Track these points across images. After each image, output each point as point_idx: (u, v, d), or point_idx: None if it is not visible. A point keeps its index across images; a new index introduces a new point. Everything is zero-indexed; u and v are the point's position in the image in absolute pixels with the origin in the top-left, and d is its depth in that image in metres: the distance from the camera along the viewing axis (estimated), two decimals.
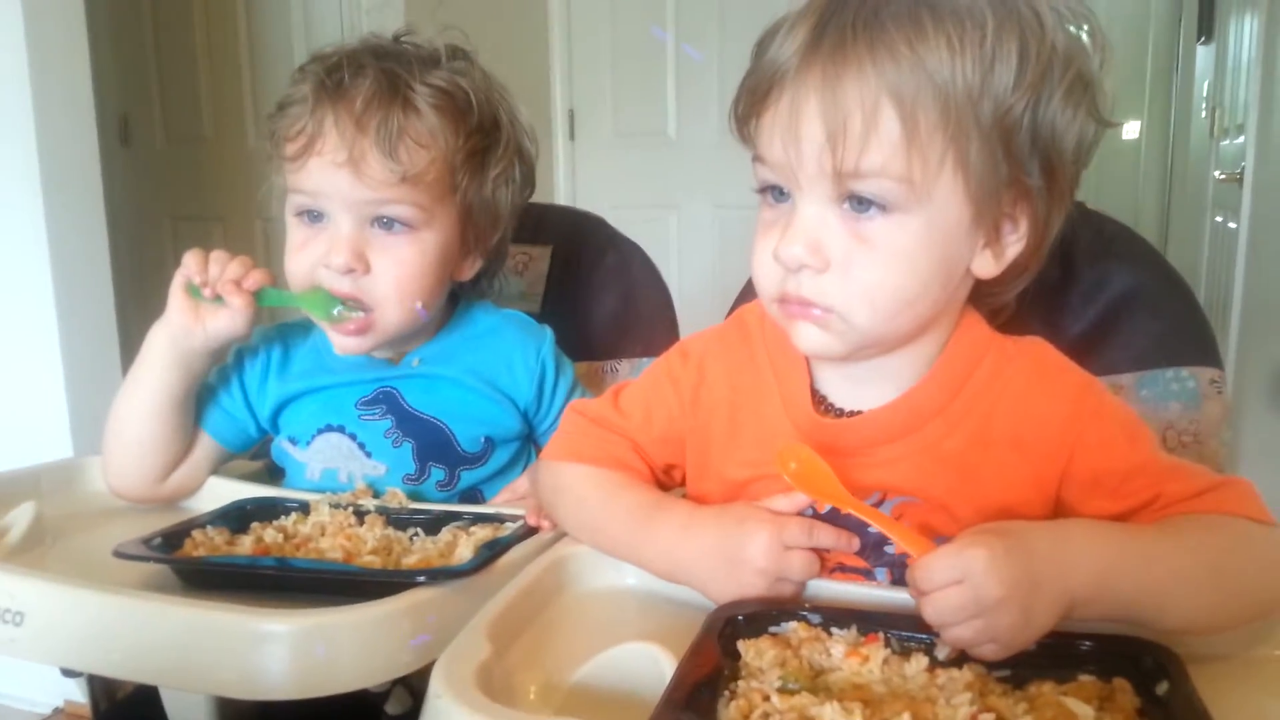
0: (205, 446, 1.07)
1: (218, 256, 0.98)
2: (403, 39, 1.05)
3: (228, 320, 0.97)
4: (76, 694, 1.97)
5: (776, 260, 0.72)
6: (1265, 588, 0.69)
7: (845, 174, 0.68)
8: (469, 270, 1.11)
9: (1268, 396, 2.40)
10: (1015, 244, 0.75)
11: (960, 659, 0.63)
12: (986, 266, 0.75)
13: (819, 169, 0.69)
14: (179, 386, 1.00)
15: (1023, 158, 0.70)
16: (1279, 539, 0.70)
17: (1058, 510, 0.76)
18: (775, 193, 0.75)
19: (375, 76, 0.98)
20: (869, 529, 0.78)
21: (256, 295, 0.98)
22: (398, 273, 1.01)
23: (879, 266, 0.71)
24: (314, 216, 1.01)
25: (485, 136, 1.05)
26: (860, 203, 0.70)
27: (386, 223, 1.00)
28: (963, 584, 0.61)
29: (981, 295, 0.80)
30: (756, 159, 0.75)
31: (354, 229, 0.99)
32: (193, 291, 0.97)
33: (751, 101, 0.74)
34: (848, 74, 0.67)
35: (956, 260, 0.73)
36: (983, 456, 0.75)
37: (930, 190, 0.69)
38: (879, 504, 0.77)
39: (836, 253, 0.71)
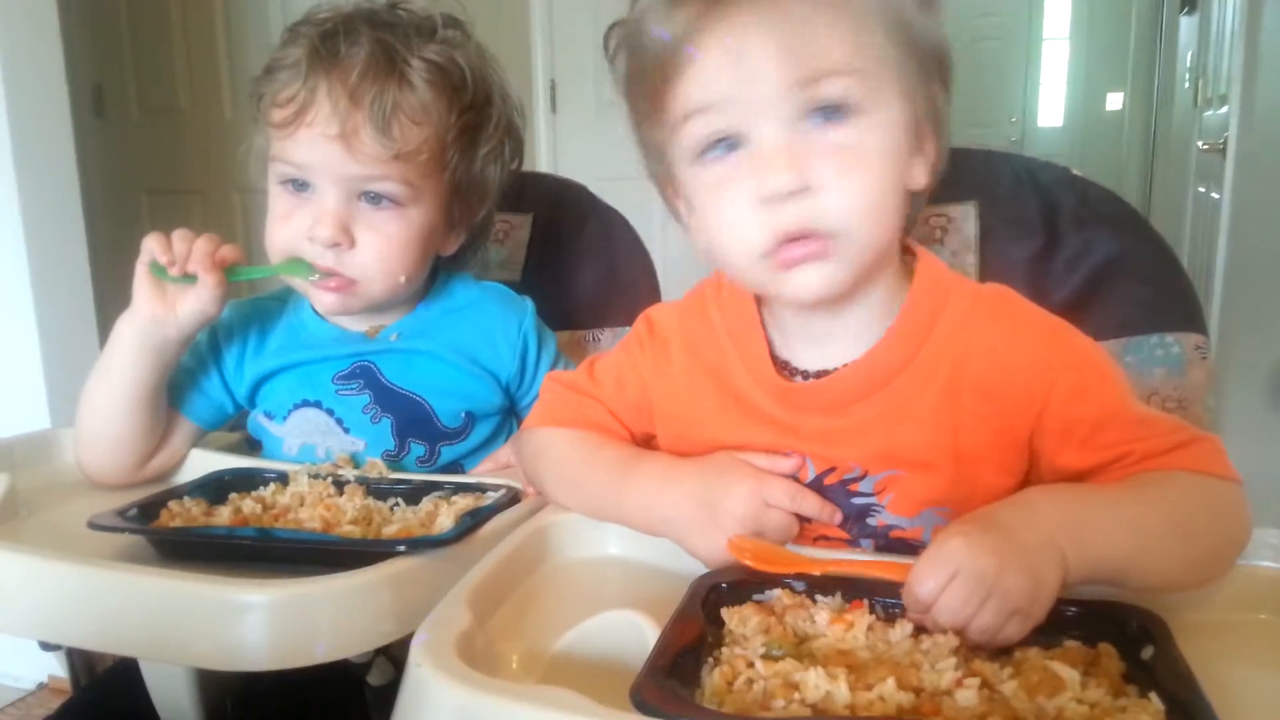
0: (183, 429, 1.05)
1: (182, 234, 0.94)
2: (397, 6, 1.03)
3: (197, 301, 0.94)
4: (60, 670, 1.96)
5: (767, 198, 0.69)
6: (1228, 541, 0.69)
7: (807, 79, 0.67)
8: (453, 245, 1.10)
9: (1250, 363, 2.41)
10: (931, 151, 0.76)
11: None
12: (919, 177, 0.75)
13: (779, 85, 0.68)
14: (151, 378, 0.98)
15: (929, 55, 0.72)
16: (1238, 494, 0.70)
17: (1030, 460, 0.75)
18: (723, 145, 0.72)
19: (371, 47, 0.96)
20: (852, 500, 0.77)
21: (226, 272, 0.95)
22: (382, 248, 0.99)
23: (865, 169, 0.69)
24: (299, 186, 0.98)
25: (478, 113, 1.03)
26: (825, 111, 0.69)
27: (374, 198, 0.98)
28: (958, 574, 0.60)
29: None
30: (688, 116, 0.72)
31: (340, 203, 0.97)
32: (158, 272, 0.93)
33: (664, 69, 0.72)
34: None
35: (906, 167, 0.73)
36: (956, 408, 0.74)
37: (881, 89, 0.69)
38: (860, 478, 0.77)
39: (821, 167, 0.69)
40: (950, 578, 0.60)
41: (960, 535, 0.62)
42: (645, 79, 0.74)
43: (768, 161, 0.69)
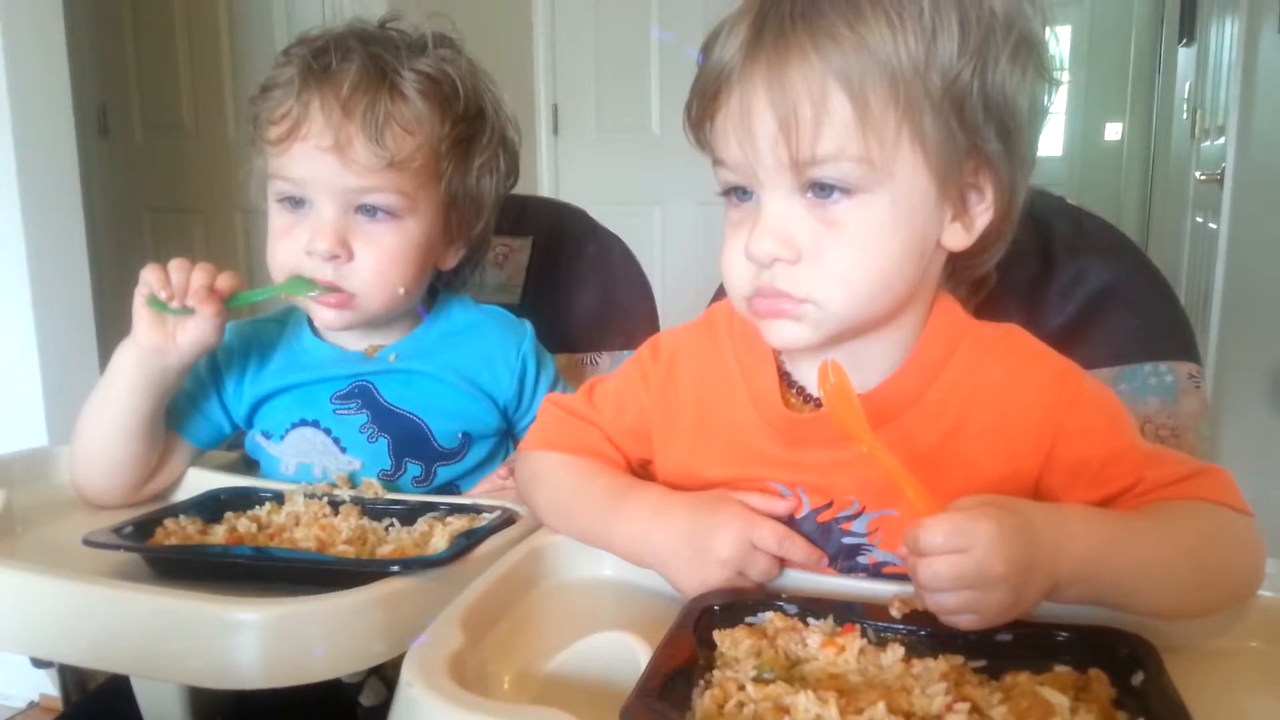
0: (181, 451, 1.05)
1: (178, 265, 0.94)
2: (389, 25, 1.04)
3: (197, 332, 0.94)
4: (51, 688, 1.95)
5: (749, 258, 0.72)
6: (1240, 574, 0.69)
7: (802, 163, 0.68)
8: (452, 259, 1.11)
9: (1247, 393, 2.42)
10: (984, 213, 0.75)
11: (935, 648, 0.63)
12: (957, 239, 0.75)
13: (776, 162, 0.69)
14: (150, 405, 0.98)
15: (977, 124, 0.70)
16: (1254, 528, 0.70)
17: (1038, 498, 0.75)
18: (739, 193, 0.75)
19: (362, 61, 0.97)
20: (842, 538, 0.77)
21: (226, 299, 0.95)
22: (380, 260, 1.00)
23: (851, 249, 0.70)
24: (296, 203, 0.99)
25: (470, 124, 1.04)
26: (823, 189, 0.70)
27: (370, 210, 0.99)
28: (966, 554, 0.60)
29: (959, 270, 0.80)
30: (716, 162, 0.75)
31: (337, 215, 0.98)
32: (157, 305, 0.93)
33: (702, 105, 0.74)
34: (791, 63, 0.67)
35: (926, 236, 0.73)
36: (962, 448, 0.75)
37: (890, 168, 0.69)
38: (856, 515, 0.77)
39: (807, 242, 0.70)
40: (957, 550, 0.60)
41: (994, 524, 0.61)
42: (700, 89, 0.74)
43: (760, 226, 0.71)
